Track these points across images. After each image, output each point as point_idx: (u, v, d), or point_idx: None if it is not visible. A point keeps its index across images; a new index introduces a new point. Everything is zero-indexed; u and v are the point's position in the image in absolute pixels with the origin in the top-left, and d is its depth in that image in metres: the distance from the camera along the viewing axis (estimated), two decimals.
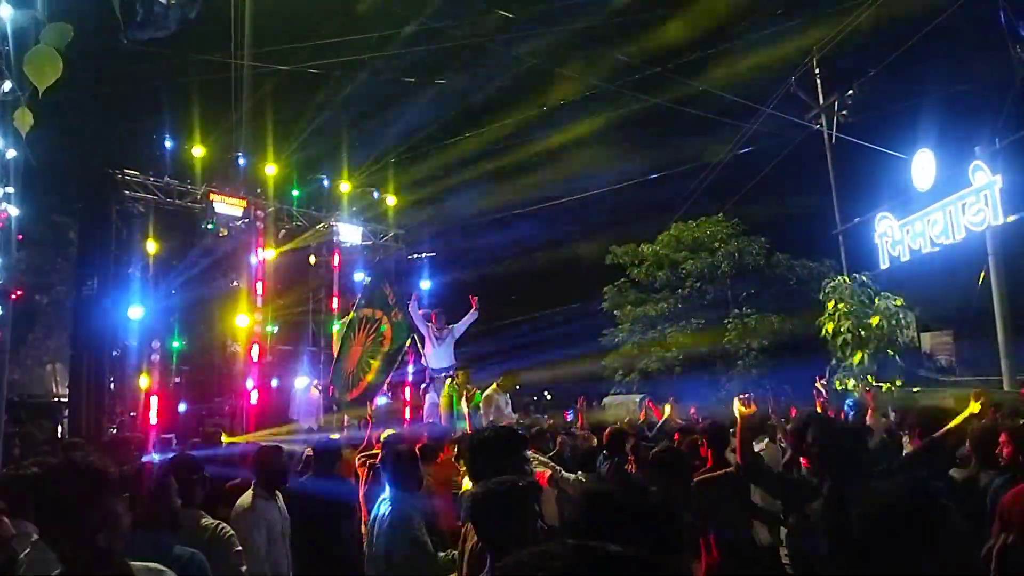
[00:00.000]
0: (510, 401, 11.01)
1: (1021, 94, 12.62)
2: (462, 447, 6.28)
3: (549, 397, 21.51)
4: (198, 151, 14.23)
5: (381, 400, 12.35)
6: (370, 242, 17.04)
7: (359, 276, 16.46)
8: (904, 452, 5.69)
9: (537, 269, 25.52)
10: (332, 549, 5.06)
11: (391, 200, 17.61)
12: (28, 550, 3.68)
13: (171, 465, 4.14)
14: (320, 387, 13.96)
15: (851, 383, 15.49)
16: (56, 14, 2.12)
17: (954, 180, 14.39)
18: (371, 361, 10.83)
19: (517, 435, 4.64)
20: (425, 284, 17.34)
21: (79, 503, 2.44)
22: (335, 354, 12.62)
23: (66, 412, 14.32)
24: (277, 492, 4.99)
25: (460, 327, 12.03)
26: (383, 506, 4.47)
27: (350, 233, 16.47)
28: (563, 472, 6.55)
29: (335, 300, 16.08)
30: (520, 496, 2.83)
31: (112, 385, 12.87)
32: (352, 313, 11.76)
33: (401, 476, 4.64)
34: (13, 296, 6.80)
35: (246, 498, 4.84)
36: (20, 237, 6.69)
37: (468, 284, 17.97)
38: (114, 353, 12.98)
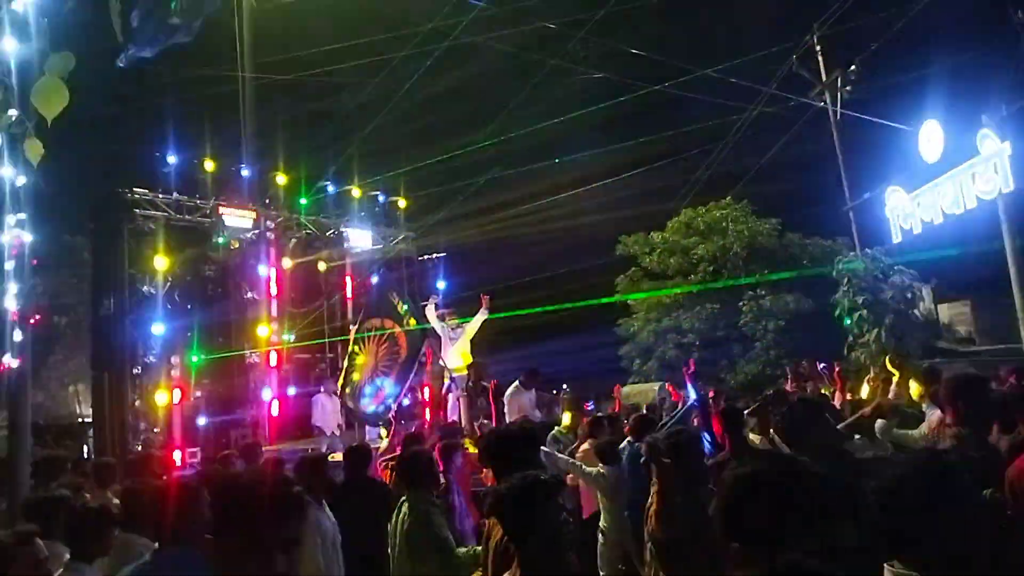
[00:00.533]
0: (535, 398, 11.01)
1: None
2: (483, 447, 6.33)
3: (568, 389, 21.50)
4: (206, 165, 14.33)
5: (404, 401, 12.39)
6: (380, 246, 17.09)
7: (373, 280, 16.56)
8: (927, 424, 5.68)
9: (549, 263, 25.50)
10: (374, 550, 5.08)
11: (401, 203, 17.67)
12: (61, 571, 3.75)
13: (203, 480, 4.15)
14: (338, 393, 14.06)
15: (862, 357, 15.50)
16: (57, 41, 2.17)
17: (962, 149, 14.28)
18: (387, 371, 10.87)
19: (532, 433, 4.69)
20: (440, 284, 17.39)
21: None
22: (342, 366, 12.69)
23: (91, 432, 14.45)
24: (323, 500, 5.05)
25: (470, 327, 12.10)
26: (403, 506, 4.54)
27: (360, 238, 16.54)
28: (584, 467, 6.60)
29: (349, 305, 16.16)
30: (544, 490, 2.85)
31: (135, 403, 12.98)
32: (358, 325, 11.80)
33: (419, 476, 4.70)
34: (31, 321, 6.88)
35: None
36: (34, 262, 6.75)
37: (481, 282, 18.02)
38: (135, 371, 13.09)
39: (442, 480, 5.40)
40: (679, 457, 4.44)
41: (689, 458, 4.49)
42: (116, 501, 4.95)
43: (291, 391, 14.47)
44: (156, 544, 4.03)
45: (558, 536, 2.82)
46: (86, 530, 3.96)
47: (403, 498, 4.64)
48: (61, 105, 2.06)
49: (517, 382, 10.90)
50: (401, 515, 4.52)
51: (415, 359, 11.12)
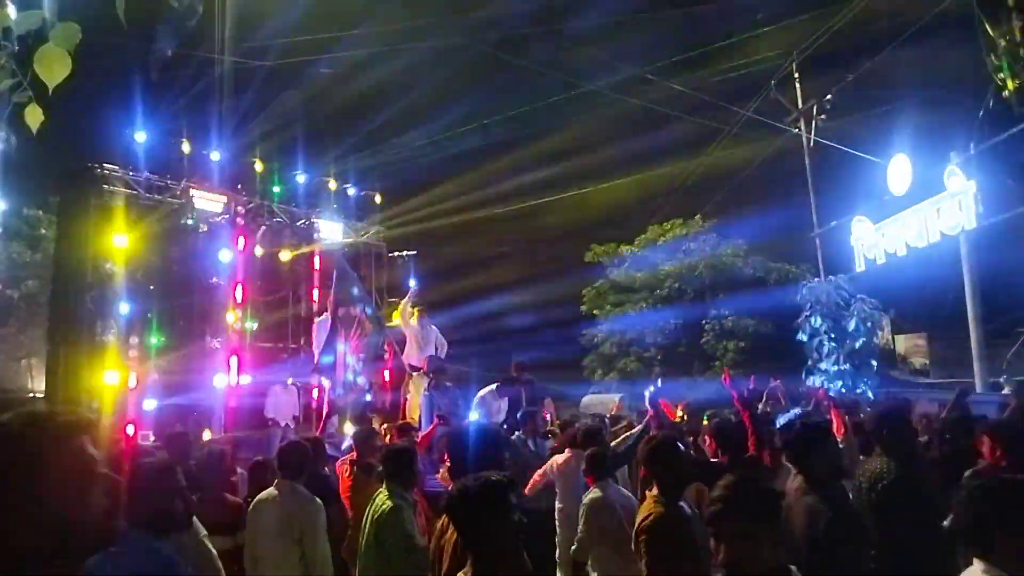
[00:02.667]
0: (503, 405, 10.99)
1: (996, 100, 12.83)
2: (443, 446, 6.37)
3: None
4: (178, 146, 14.15)
5: (366, 397, 12.33)
6: (351, 239, 17.01)
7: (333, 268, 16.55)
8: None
9: (518, 268, 25.62)
10: None
11: (375, 198, 17.63)
12: None
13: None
14: (298, 385, 13.94)
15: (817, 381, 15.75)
16: (59, 13, 2.17)
17: (929, 185, 14.60)
18: (359, 360, 10.85)
19: (494, 434, 4.74)
20: (411, 283, 17.44)
21: None
22: (316, 358, 12.62)
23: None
24: None
25: (439, 336, 12.20)
26: (379, 498, 4.55)
27: (331, 230, 16.44)
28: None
29: (315, 297, 16.04)
30: (495, 491, 2.90)
31: (89, 381, 12.74)
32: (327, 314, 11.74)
33: (399, 470, 4.72)
34: None
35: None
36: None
37: (449, 281, 18.06)
38: (91, 349, 12.85)
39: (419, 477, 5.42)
40: None
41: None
42: None
43: (250, 380, 14.29)
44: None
45: (510, 537, 2.87)
46: None
47: (379, 491, 4.66)
48: (63, 73, 2.06)
49: (496, 385, 10.89)
50: (374, 506, 4.54)
51: (379, 345, 11.15)
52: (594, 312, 26.59)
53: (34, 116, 2.22)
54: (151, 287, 13.92)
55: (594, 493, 5.30)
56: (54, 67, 2.03)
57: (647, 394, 7.58)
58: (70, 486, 1.52)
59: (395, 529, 4.31)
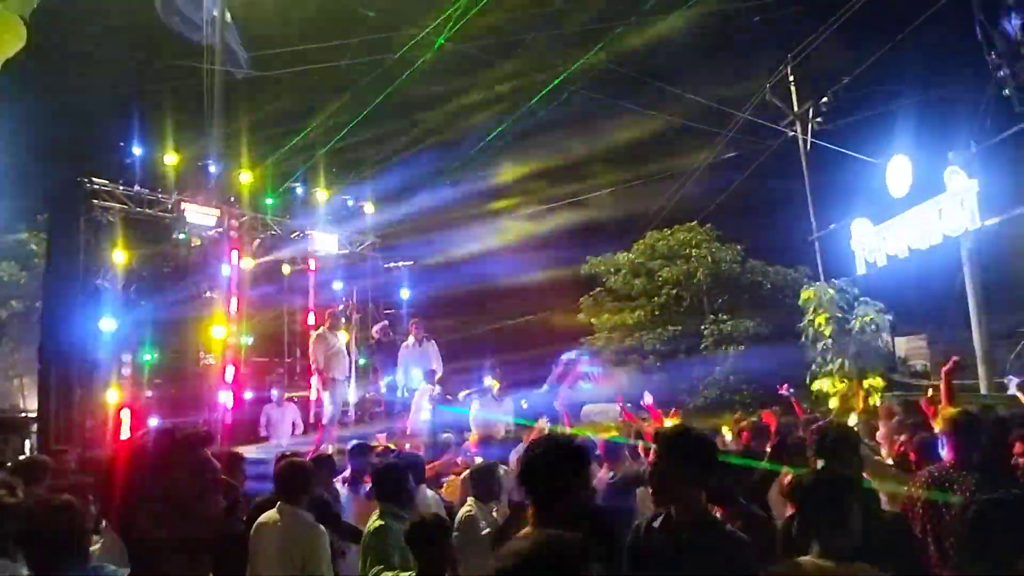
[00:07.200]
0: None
1: (996, 98, 12.69)
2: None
3: (525, 406, 21.30)
4: (170, 159, 13.95)
5: None
6: (346, 251, 16.80)
7: (337, 285, 16.32)
8: None
9: (514, 279, 25.38)
10: None
11: (368, 208, 17.42)
12: None
13: None
14: (295, 400, 13.74)
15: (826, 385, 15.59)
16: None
17: (930, 185, 14.43)
18: None
19: (576, 450, 4.52)
20: (404, 293, 17.33)
21: None
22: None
23: (34, 427, 13.90)
24: None
25: (435, 356, 12.18)
26: (372, 518, 4.36)
27: (326, 242, 16.21)
28: None
29: (310, 310, 15.84)
30: (574, 453, 2.93)
31: (81, 400, 12.49)
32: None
33: (387, 490, 4.53)
34: None
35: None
36: None
37: (445, 292, 17.89)
38: (84, 367, 12.60)
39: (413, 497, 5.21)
40: None
41: None
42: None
43: (248, 395, 14.03)
44: None
45: (579, 502, 2.95)
46: None
47: (375, 513, 4.48)
48: (17, 45, 1.87)
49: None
50: (367, 527, 4.35)
51: None
52: (591, 321, 26.33)
53: None
54: (143, 303, 13.67)
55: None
56: (5, 36, 1.83)
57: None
58: (193, 488, 1.82)
59: (375, 551, 4.10)
